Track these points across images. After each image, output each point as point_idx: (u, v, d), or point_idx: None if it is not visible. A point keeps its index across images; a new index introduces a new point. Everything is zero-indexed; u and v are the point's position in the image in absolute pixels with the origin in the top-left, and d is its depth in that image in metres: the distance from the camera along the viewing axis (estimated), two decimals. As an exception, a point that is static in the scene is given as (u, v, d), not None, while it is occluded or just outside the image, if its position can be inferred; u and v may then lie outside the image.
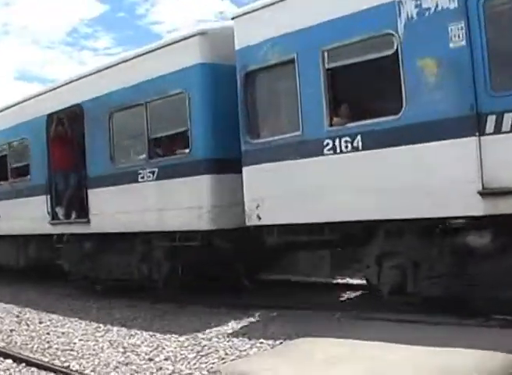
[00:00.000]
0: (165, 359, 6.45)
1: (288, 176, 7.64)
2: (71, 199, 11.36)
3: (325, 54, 7.24)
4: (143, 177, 9.60)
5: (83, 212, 10.89)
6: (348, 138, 7.04)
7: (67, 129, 11.49)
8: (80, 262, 11.14)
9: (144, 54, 9.60)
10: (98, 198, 10.45)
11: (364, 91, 7.40)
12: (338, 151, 7.14)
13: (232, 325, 7.70)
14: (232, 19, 8.39)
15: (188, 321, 8.23)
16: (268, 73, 7.98)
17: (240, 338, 6.96)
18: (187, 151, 9.00)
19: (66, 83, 11.21)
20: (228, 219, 8.69)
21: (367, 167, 6.92)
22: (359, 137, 6.95)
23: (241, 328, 7.49)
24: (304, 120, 7.45)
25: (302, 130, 7.48)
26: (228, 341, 6.92)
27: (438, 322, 6.38)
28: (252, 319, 7.95)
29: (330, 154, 7.21)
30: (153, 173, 9.44)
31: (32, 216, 11.85)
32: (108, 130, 10.16)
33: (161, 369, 6.13)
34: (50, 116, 11.46)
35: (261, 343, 6.68)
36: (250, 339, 6.87)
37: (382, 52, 6.81)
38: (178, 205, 9.08)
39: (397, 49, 6.64)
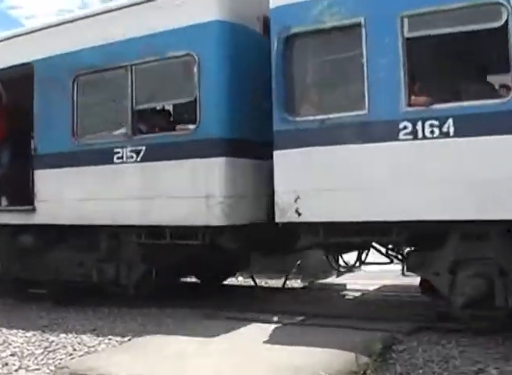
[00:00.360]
0: (12, 355, 6.28)
1: (345, 163, 6.34)
2: (3, 180, 9.12)
3: (406, 21, 6.04)
4: (121, 157, 7.75)
5: (22, 198, 8.74)
6: (435, 122, 5.89)
7: (2, 93, 9.18)
8: (13, 259, 8.96)
9: (135, 4, 7.74)
10: (51, 182, 8.36)
11: (455, 68, 6.31)
12: (420, 136, 5.96)
13: (81, 322, 7.62)
14: (269, -30, 6.90)
15: (36, 317, 8.05)
16: (320, 37, 6.57)
17: (88, 335, 6.95)
18: (193, 127, 7.33)
19: (9, 38, 8.93)
20: (241, 214, 7.22)
21: (459, 157, 5.80)
22: (450, 121, 5.83)
23: (89, 325, 7.45)
24: (372, 97, 6.18)
25: (368, 109, 6.21)
26: (76, 338, 6.86)
27: (291, 322, 6.72)
28: (101, 316, 7.93)
29: (408, 139, 6.01)
30: (137, 152, 7.63)
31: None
32: (70, 97, 8.15)
33: (7, 364, 5.95)
34: (-19, 76, 9.12)
35: (110, 339, 6.71)
36: (98, 336, 6.89)
37: (485, 24, 5.73)
38: (174, 193, 7.39)
39: (507, 22, 5.60)
